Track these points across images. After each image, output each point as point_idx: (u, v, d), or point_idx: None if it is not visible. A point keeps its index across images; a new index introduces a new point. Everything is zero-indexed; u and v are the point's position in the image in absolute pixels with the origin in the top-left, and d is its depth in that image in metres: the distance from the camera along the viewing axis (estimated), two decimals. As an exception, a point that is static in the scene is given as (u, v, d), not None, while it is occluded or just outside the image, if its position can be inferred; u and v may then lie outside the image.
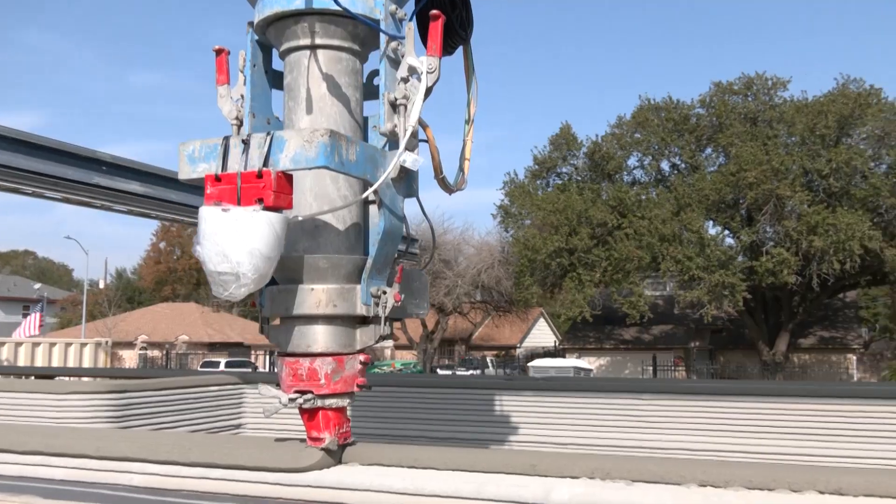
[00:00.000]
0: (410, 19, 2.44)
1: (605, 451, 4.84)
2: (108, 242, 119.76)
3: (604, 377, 35.65)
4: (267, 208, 2.01)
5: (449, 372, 39.36)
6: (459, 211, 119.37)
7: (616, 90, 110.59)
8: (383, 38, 2.38)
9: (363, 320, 2.32)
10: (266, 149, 2.10)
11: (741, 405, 4.77)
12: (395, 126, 2.33)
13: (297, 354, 2.23)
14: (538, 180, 39.15)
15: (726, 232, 34.80)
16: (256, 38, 2.52)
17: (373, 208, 2.56)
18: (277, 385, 2.26)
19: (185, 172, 2.24)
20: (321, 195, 2.36)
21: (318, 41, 2.39)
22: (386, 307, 2.29)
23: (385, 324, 2.32)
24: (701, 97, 36.25)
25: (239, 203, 2.03)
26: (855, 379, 38.77)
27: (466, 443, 5.05)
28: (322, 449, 2.15)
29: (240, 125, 2.43)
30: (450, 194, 2.75)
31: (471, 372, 38.21)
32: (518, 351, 51.29)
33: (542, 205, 35.59)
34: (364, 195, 2.34)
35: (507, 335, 51.44)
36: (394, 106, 2.33)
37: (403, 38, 2.38)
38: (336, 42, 2.41)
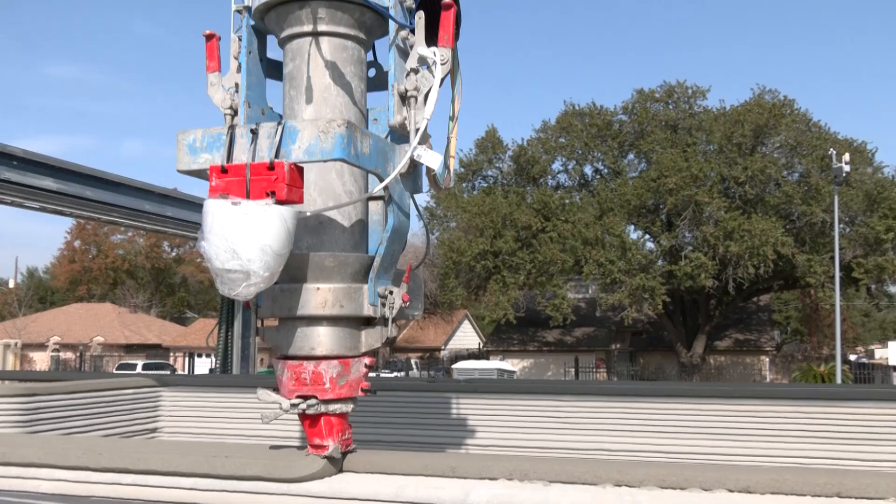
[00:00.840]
0: (418, 8, 2.29)
1: (527, 452, 4.88)
2: (19, 240, 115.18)
3: (526, 379, 35.99)
4: (279, 202, 1.90)
5: (373, 374, 39.10)
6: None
7: (542, 95, 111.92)
8: (392, 28, 2.27)
9: (366, 321, 2.21)
10: (277, 139, 1.99)
11: (658, 406, 4.85)
12: (405, 119, 2.20)
13: (300, 357, 2.11)
14: (464, 183, 39.21)
15: (647, 236, 35.48)
16: (252, 23, 2.35)
17: (372, 204, 2.49)
18: (276, 389, 2.13)
19: (185, 163, 2.11)
20: (326, 190, 2.25)
21: (322, 28, 2.27)
22: (393, 308, 2.20)
23: (392, 325, 2.23)
24: (624, 104, 36.94)
25: (248, 196, 1.92)
26: (767, 380, 40.07)
27: (387, 445, 5.02)
28: (325, 457, 2.03)
29: (233, 115, 2.27)
30: (438, 192, 2.69)
31: (395, 374, 38.12)
32: (443, 353, 51.34)
33: (468, 207, 35.63)
34: (376, 189, 2.21)
35: (432, 337, 51.47)
36: (403, 98, 2.22)
37: (412, 27, 2.24)
38: (342, 29, 2.30)
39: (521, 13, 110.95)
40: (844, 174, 27.76)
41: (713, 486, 1.79)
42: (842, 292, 29.08)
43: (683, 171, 31.43)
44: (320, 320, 2.12)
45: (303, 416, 2.09)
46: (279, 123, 2.01)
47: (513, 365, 38.16)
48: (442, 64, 2.18)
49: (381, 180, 2.15)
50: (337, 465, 2.08)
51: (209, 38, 2.33)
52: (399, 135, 2.28)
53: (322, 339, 2.12)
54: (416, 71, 2.21)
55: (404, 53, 2.26)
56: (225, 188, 1.94)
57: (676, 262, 32.93)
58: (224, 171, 1.98)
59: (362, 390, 2.18)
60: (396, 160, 2.22)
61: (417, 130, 2.18)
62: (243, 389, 5.33)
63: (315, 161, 2.00)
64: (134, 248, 63.84)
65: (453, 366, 36.48)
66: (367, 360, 2.21)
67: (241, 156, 2.02)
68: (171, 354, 47.17)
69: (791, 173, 33.62)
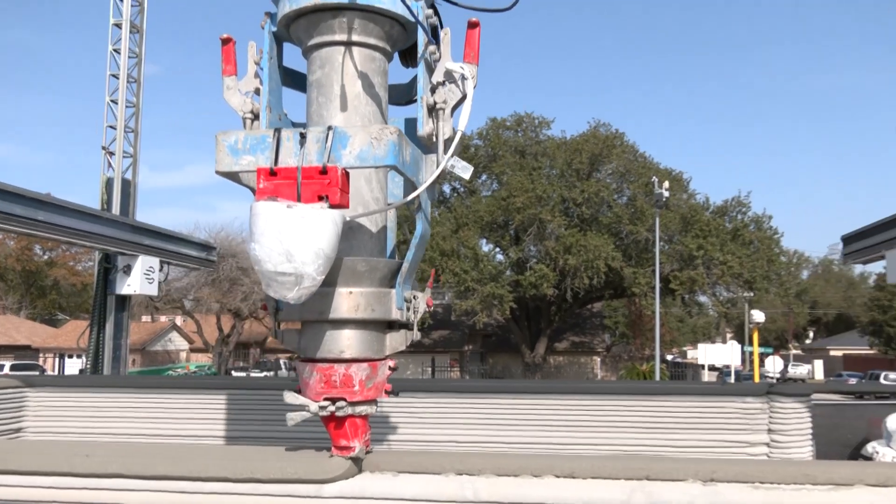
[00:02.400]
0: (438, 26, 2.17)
1: (383, 446, 4.86)
2: None
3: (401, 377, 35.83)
4: (332, 206, 1.76)
5: (244, 374, 38.07)
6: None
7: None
8: (421, 42, 2.13)
9: (389, 325, 2.09)
10: (328, 144, 1.84)
11: (503, 401, 4.96)
12: (433, 130, 2.09)
13: (329, 360, 1.96)
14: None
15: (497, 249, 36.15)
16: (274, 30, 2.18)
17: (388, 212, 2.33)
18: (297, 391, 1.99)
19: (226, 164, 1.94)
20: (355, 195, 2.05)
21: (354, 38, 2.12)
22: (417, 311, 2.11)
23: (416, 328, 2.12)
24: (479, 130, 37.58)
25: (299, 199, 1.76)
26: (598, 377, 41.67)
27: (254, 441, 4.88)
28: (351, 458, 1.89)
29: (253, 119, 2.10)
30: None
31: (264, 374, 37.20)
32: (310, 353, 50.47)
33: (337, 219, 35.26)
34: (411, 196, 2.07)
35: (300, 339, 50.54)
36: (430, 110, 2.10)
37: (437, 43, 2.12)
38: (371, 41, 2.16)
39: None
40: (664, 199, 29.29)
41: (543, 472, 1.83)
42: (661, 301, 30.62)
43: (530, 191, 32.26)
44: (348, 323, 1.99)
45: (327, 418, 1.95)
46: (329, 128, 1.88)
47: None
48: (472, 78, 2.08)
49: (411, 188, 2.06)
50: (359, 465, 1.95)
51: (225, 42, 2.16)
52: (425, 145, 2.16)
53: (351, 342, 1.99)
54: (442, 84, 2.11)
55: (429, 68, 2.15)
56: (274, 190, 1.79)
57: (523, 272, 33.71)
58: (273, 173, 1.82)
59: (385, 392, 2.07)
60: (424, 169, 2.13)
61: (450, 141, 2.08)
62: (112, 389, 5.05)
63: (367, 167, 1.90)
64: (4, 251, 59.36)
65: (320, 366, 35.89)
66: (391, 363, 2.11)
67: (288, 159, 1.87)
68: (41, 355, 44.06)
69: (620, 197, 35.12)
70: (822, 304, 64.95)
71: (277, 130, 1.90)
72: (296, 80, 2.39)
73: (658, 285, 29.36)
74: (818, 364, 56.89)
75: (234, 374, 38.88)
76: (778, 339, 60.35)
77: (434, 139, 2.13)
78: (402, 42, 2.28)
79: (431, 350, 42.14)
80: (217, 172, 1.95)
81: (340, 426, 1.93)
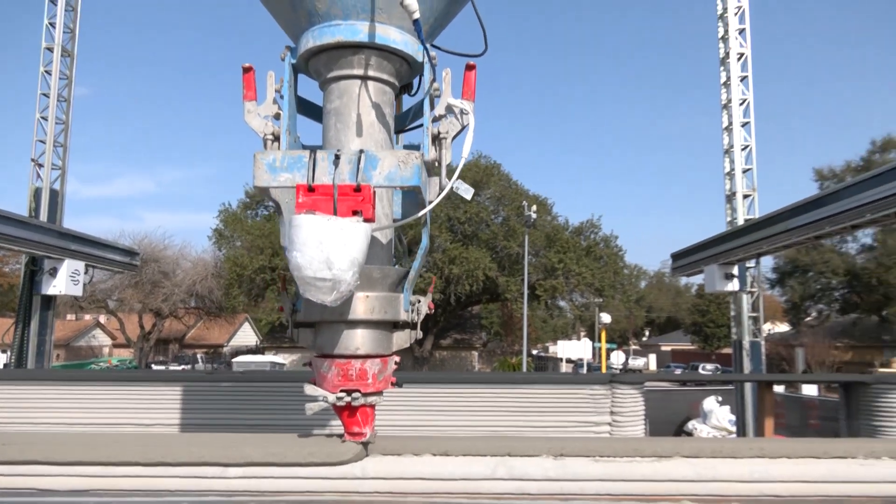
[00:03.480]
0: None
1: (286, 430, 4.75)
2: None
3: (294, 369, 35.12)
4: (365, 220, 1.74)
5: (163, 367, 36.33)
6: (179, 230, 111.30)
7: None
8: (426, 79, 2.13)
9: (394, 325, 2.05)
10: (360, 165, 1.80)
11: (393, 389, 4.96)
12: (436, 156, 2.05)
13: (346, 356, 1.91)
14: (249, 210, 37.81)
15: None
16: (293, 62, 2.10)
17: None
18: (312, 383, 1.94)
19: (265, 180, 1.86)
20: None
21: (370, 73, 2.09)
22: (420, 313, 2.09)
23: (419, 328, 2.09)
24: (379, 157, 37.50)
25: (335, 213, 1.72)
26: (476, 369, 42.21)
27: (173, 427, 4.66)
28: (362, 443, 1.83)
29: (273, 140, 2.01)
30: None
31: (182, 367, 35.61)
32: (225, 349, 48.79)
33: (252, 230, 34.36)
34: (421, 213, 2.05)
35: (217, 335, 48.71)
36: (434, 139, 2.06)
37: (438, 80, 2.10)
38: (384, 76, 2.12)
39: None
40: (532, 220, 30.23)
41: (421, 451, 1.83)
42: (528, 305, 31.47)
43: (421, 211, 32.44)
44: (364, 324, 1.95)
45: (341, 408, 1.89)
46: (361, 151, 1.84)
47: (284, 359, 37.02)
48: (470, 113, 2.06)
49: (413, 207, 2.07)
50: (367, 448, 1.89)
51: (247, 70, 2.07)
52: (428, 169, 2.13)
53: (365, 340, 1.95)
54: (444, 116, 2.09)
55: (432, 102, 2.13)
56: (312, 205, 1.75)
57: (414, 279, 33.80)
58: (311, 189, 1.77)
59: (392, 384, 2.03)
60: (428, 190, 2.10)
61: (455, 167, 2.06)
62: (34, 382, 4.71)
63: (394, 187, 1.86)
64: (-69, 253, 54.21)
65: (233, 359, 34.73)
66: (396, 358, 2.07)
67: (323, 177, 1.82)
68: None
69: (497, 217, 35.86)
70: (655, 309, 68.30)
71: (313, 151, 1.86)
72: (305, 108, 2.34)
73: (526, 292, 30.20)
74: (652, 357, 59.80)
75: (154, 367, 37.10)
76: (621, 336, 62.94)
77: (437, 164, 2.13)
78: (407, 78, 2.27)
79: (334, 346, 41.60)
80: (255, 187, 1.89)
81: (353, 415, 1.89)
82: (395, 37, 2.03)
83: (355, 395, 1.89)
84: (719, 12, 16.92)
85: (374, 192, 1.85)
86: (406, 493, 1.71)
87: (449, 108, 2.10)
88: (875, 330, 40.63)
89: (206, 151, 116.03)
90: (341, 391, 1.89)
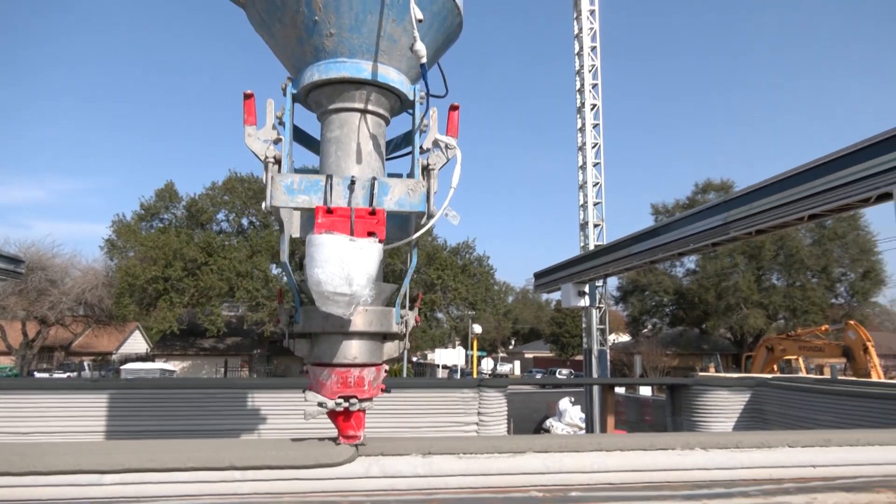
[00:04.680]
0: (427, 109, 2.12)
1: (175, 435, 4.46)
2: None
3: (184, 377, 33.12)
4: (379, 241, 1.74)
5: (47, 375, 33.05)
6: (69, 239, 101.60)
7: (214, 162, 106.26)
8: (418, 116, 2.14)
9: (384, 336, 2.02)
10: (374, 191, 1.83)
11: (283, 395, 4.79)
12: (426, 186, 1.99)
13: (345, 365, 1.88)
14: (143, 222, 35.43)
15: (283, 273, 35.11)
16: (294, 92, 2.04)
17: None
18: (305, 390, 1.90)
19: (283, 200, 1.84)
20: None
21: (369, 107, 2.09)
22: (408, 325, 2.07)
23: (407, 339, 2.08)
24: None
25: (352, 234, 1.71)
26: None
27: (60, 436, 4.24)
28: (356, 445, 1.73)
29: (275, 163, 1.90)
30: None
31: (67, 374, 32.60)
32: (114, 357, 45.15)
33: (145, 242, 32.26)
34: (417, 235, 2.04)
35: (106, 343, 45.00)
36: (424, 169, 2.04)
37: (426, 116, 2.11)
38: (380, 111, 2.12)
39: (193, 82, 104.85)
40: (415, 240, 30.48)
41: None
42: (410, 316, 31.55)
43: (313, 228, 32.01)
44: (361, 335, 1.90)
45: (336, 413, 1.81)
46: (374, 179, 1.87)
47: (174, 366, 34.80)
48: (455, 148, 2.06)
49: (398, 231, 2.05)
50: (359, 450, 1.78)
51: (248, 96, 1.99)
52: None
53: (362, 350, 1.92)
54: (430, 150, 2.08)
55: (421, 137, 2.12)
56: (330, 225, 1.74)
57: (304, 291, 33.06)
58: (329, 211, 1.76)
59: (381, 390, 1.98)
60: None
61: (448, 195, 2.03)
62: None
63: (403, 212, 1.87)
64: None
65: (122, 367, 32.20)
66: (386, 367, 2.01)
67: (339, 200, 1.83)
68: None
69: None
70: (521, 321, 70.58)
71: (329, 177, 1.87)
72: (297, 134, 2.30)
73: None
74: (517, 363, 61.60)
75: (37, 375, 33.67)
76: (491, 345, 64.41)
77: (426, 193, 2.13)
78: (397, 113, 2.27)
79: (225, 353, 39.70)
80: (272, 206, 1.84)
81: (348, 419, 1.84)
82: (394, 76, 2.08)
83: (352, 400, 1.87)
84: (577, 68, 17.94)
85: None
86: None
87: (436, 143, 2.14)
88: (697, 340, 44.23)
89: (98, 162, 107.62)
90: (339, 397, 1.86)
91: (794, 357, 25.37)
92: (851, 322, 23.01)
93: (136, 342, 49.78)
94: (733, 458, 1.73)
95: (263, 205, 1.92)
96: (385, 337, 2.08)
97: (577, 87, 17.66)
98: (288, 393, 4.75)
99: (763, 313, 37.03)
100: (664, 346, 41.85)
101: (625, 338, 49.85)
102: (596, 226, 17.43)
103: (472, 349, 35.94)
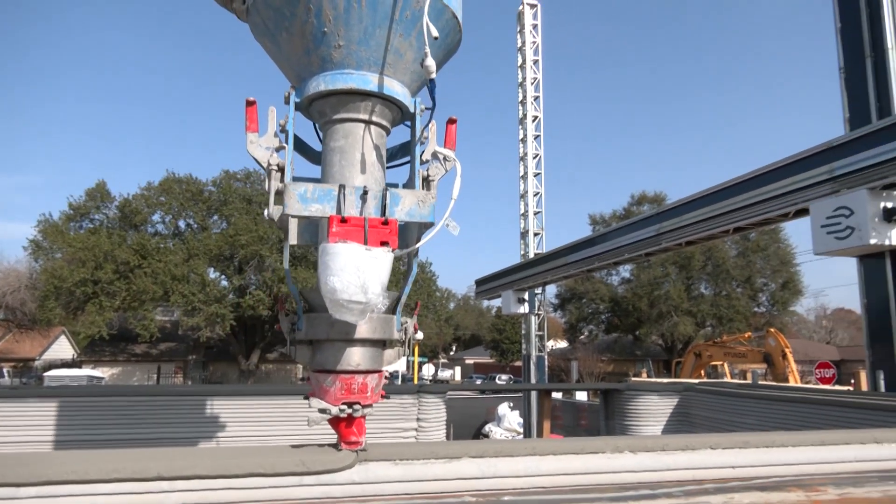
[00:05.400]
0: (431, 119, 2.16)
1: (106, 445, 4.26)
2: None
3: (112, 384, 31.68)
4: (392, 251, 1.76)
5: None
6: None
7: (149, 162, 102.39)
8: (418, 128, 2.15)
9: (383, 343, 2.00)
10: (386, 202, 1.85)
11: (219, 402, 4.65)
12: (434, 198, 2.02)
13: (349, 372, 1.86)
14: (72, 223, 33.71)
15: (223, 276, 34.19)
16: (297, 101, 2.06)
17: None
18: (306, 397, 1.89)
19: (296, 209, 1.83)
20: None
21: (373, 118, 2.09)
22: (408, 332, 2.08)
23: (406, 347, 2.09)
24: (213, 179, 35.46)
25: (366, 244, 1.72)
26: (300, 381, 40.90)
27: None
28: (357, 451, 1.69)
29: (277, 170, 1.93)
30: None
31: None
32: (37, 363, 42.66)
33: (74, 243, 30.68)
34: (418, 245, 2.07)
35: (28, 349, 42.50)
36: (424, 180, 2.09)
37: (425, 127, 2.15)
38: (383, 122, 2.13)
39: (129, 84, 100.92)
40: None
41: (238, 470, 1.67)
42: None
43: (253, 232, 31.24)
44: (364, 342, 1.92)
45: (339, 419, 1.80)
46: (385, 189, 1.89)
47: (103, 373, 33.21)
48: (454, 160, 2.09)
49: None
50: (359, 455, 1.74)
51: (251, 103, 1.99)
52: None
53: (364, 356, 1.91)
54: (429, 162, 2.10)
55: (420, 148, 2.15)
56: (344, 234, 1.73)
57: (243, 296, 32.25)
58: (343, 220, 1.76)
59: (381, 396, 1.95)
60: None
61: (449, 206, 2.04)
62: None
63: (413, 221, 1.92)
64: None
65: (46, 373, 30.46)
66: (386, 373, 2.00)
67: (351, 210, 1.84)
68: None
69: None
70: (462, 327, 70.90)
71: (342, 186, 1.87)
72: (295, 143, 2.24)
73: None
74: (458, 369, 61.88)
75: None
76: (432, 351, 64.46)
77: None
78: (397, 124, 2.28)
79: (158, 359, 38.19)
80: (287, 214, 1.85)
81: (350, 425, 1.82)
82: (398, 89, 2.10)
83: (356, 406, 1.85)
84: (519, 80, 18.25)
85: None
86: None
87: (434, 155, 2.17)
88: (630, 347, 45.58)
89: (22, 158, 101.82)
90: (343, 403, 1.85)
91: (720, 363, 26.51)
92: (772, 329, 24.25)
93: (62, 348, 47.23)
94: (659, 461, 1.79)
95: (266, 212, 1.93)
96: (384, 344, 2.09)
97: (520, 98, 17.97)
98: (218, 399, 4.61)
99: (692, 321, 38.55)
100: (600, 352, 42.95)
101: (562, 344, 50.88)
102: (536, 234, 17.74)
103: (413, 355, 35.89)
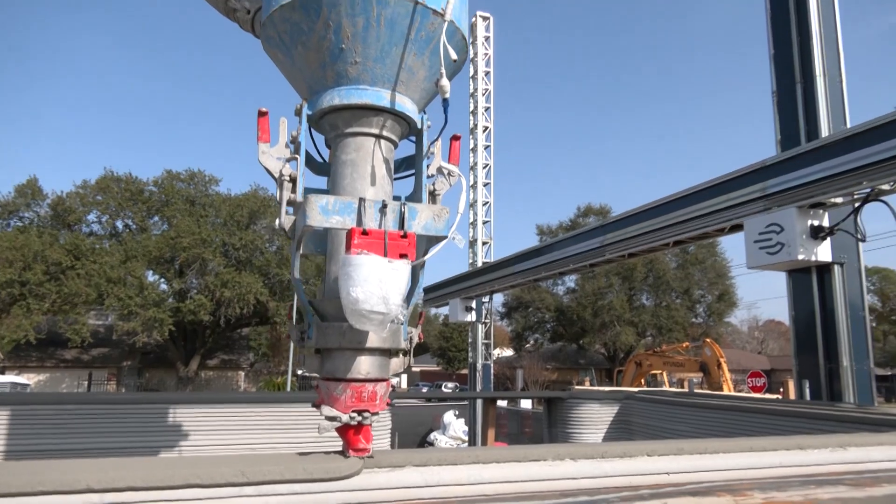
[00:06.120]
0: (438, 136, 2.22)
1: (30, 456, 4.05)
2: None
3: (39, 391, 30.09)
4: (410, 263, 1.79)
5: None
6: None
7: (90, 159, 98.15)
8: (425, 144, 2.22)
9: (389, 352, 2.02)
10: (403, 216, 1.88)
11: (152, 410, 4.49)
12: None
13: (359, 380, 1.88)
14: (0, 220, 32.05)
15: (162, 280, 33.07)
16: (309, 113, 2.11)
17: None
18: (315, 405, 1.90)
19: (318, 220, 1.84)
20: None
21: (384, 133, 2.16)
22: (413, 342, 2.13)
23: (411, 356, 2.13)
24: (155, 179, 34.27)
25: (385, 256, 1.75)
26: (242, 388, 39.90)
27: None
28: (364, 458, 1.74)
29: (289, 181, 1.98)
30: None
31: None
32: (-45, 368, 40.15)
33: (0, 242, 29.10)
34: (427, 256, 2.05)
35: (-55, 354, 39.99)
36: (431, 195, 2.16)
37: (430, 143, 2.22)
38: (393, 136, 2.19)
39: (74, 86, 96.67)
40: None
41: (179, 482, 1.61)
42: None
43: (196, 234, 30.36)
44: (373, 351, 1.93)
45: (348, 427, 1.82)
46: (403, 203, 1.92)
47: (29, 379, 31.51)
48: (458, 176, 2.18)
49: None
50: (365, 462, 1.74)
51: (262, 114, 2.02)
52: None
53: (374, 365, 1.93)
54: (434, 176, 2.19)
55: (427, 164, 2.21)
56: (365, 246, 1.76)
57: (183, 300, 31.26)
58: (364, 233, 1.78)
59: (387, 404, 1.98)
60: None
61: (456, 218, 2.07)
62: None
63: (429, 235, 1.94)
64: None
65: (-35, 380, 28.66)
66: (392, 382, 2.04)
67: (370, 223, 1.86)
68: None
69: (272, 246, 34.78)
70: (409, 334, 70.65)
71: (362, 200, 1.89)
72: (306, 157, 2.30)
73: (294, 315, 29.48)
74: (404, 377, 61.60)
75: None
76: (378, 358, 63.80)
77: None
78: (404, 138, 2.32)
79: (90, 365, 36.48)
80: (308, 225, 1.85)
81: (358, 432, 1.83)
82: (409, 105, 2.17)
83: (365, 414, 1.87)
84: (471, 91, 18.45)
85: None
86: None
87: (440, 170, 2.22)
88: (574, 355, 46.46)
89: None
90: (353, 411, 1.86)
91: (659, 371, 27.33)
92: (708, 340, 25.19)
93: (-16, 352, 44.64)
94: (598, 468, 1.85)
95: (277, 221, 1.97)
96: (391, 353, 2.14)
97: (471, 108, 18.16)
98: (158, 406, 4.47)
99: (634, 331, 39.63)
100: (545, 360, 43.60)
101: (508, 352, 51.39)
102: (484, 243, 17.91)
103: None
